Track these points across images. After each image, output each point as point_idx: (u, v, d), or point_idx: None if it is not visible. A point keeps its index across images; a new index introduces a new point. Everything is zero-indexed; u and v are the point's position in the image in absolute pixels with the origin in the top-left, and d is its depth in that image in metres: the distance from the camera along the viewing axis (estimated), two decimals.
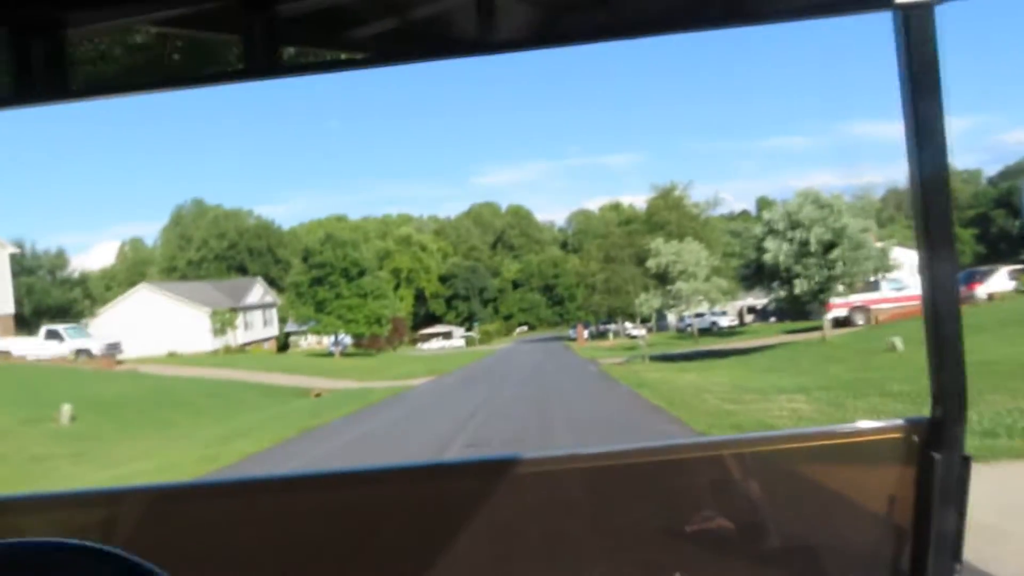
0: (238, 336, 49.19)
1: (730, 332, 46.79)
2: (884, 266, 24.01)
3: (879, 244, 23.87)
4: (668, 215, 59.01)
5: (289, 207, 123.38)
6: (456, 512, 1.48)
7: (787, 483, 1.52)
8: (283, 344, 60.86)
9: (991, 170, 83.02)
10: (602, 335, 61.83)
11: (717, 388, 16.76)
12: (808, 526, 1.52)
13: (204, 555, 1.42)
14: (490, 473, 1.54)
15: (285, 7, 1.02)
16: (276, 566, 1.50)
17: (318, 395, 28.33)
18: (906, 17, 1.22)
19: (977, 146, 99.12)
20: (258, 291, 52.39)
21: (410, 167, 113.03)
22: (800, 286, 23.65)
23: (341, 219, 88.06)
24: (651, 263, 42.11)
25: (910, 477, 1.37)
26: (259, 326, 51.98)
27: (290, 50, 1.09)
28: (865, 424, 1.48)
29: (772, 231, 24.61)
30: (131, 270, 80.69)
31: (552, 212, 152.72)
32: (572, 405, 16.37)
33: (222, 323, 42.44)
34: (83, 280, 41.25)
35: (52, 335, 32.25)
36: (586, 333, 58.01)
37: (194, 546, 1.45)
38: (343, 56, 1.16)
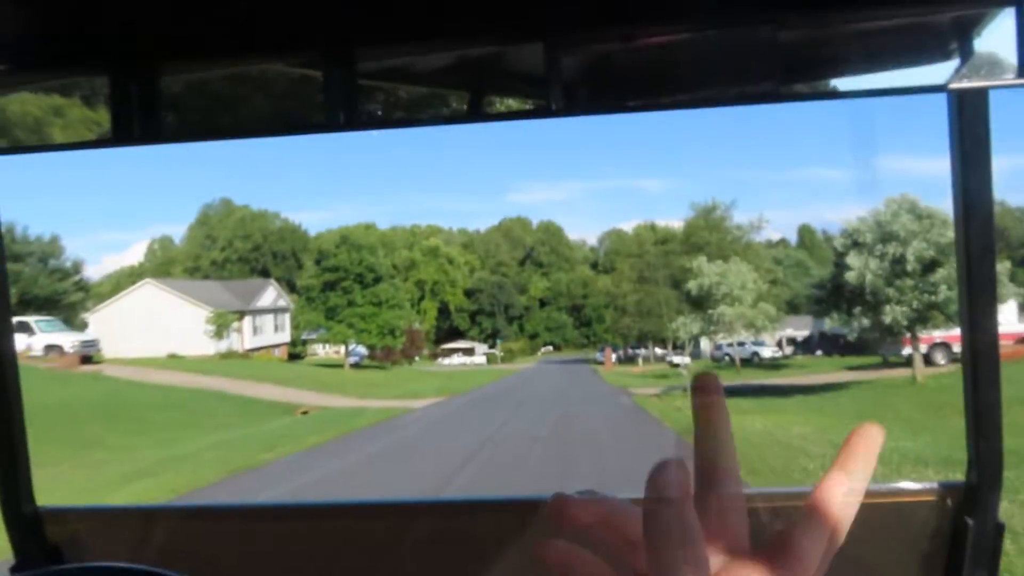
0: (245, 340, 44.86)
1: (775, 364, 41.21)
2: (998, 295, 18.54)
3: None
4: (708, 236, 53.67)
5: (320, 215, 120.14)
6: (490, 550, 1.44)
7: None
8: (298, 352, 56.47)
9: None
10: (631, 360, 56.67)
11: (808, 444, 11.65)
12: None
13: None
14: (527, 512, 1.45)
15: (366, 65, 1.06)
16: None
17: (304, 413, 23.68)
18: (960, 99, 1.21)
19: None
20: (271, 294, 48.00)
21: (444, 181, 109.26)
22: (891, 313, 18.33)
23: (370, 227, 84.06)
24: (692, 284, 36.96)
25: (942, 542, 1.33)
26: (270, 331, 47.58)
27: (368, 103, 1.13)
28: (898, 485, 1.41)
29: (857, 244, 19.26)
30: (158, 269, 77.57)
31: (584, 232, 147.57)
32: (606, 464, 11.28)
33: (219, 325, 37.98)
34: (76, 270, 37.08)
35: (22, 327, 27.89)
36: (614, 357, 52.79)
37: (223, 568, 1.44)
38: (419, 114, 1.20)
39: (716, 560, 0.39)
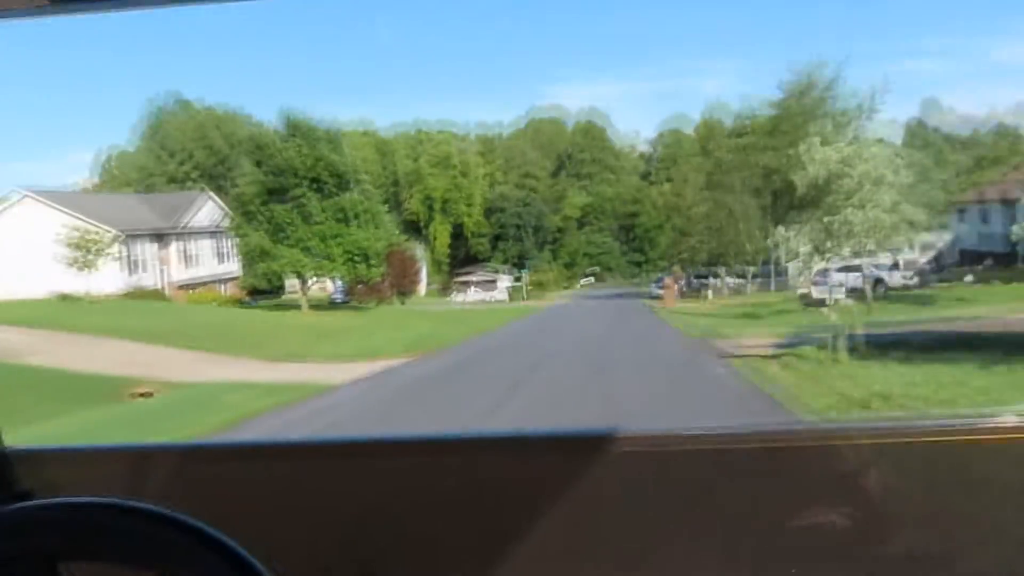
0: (172, 272, 35.96)
1: (920, 298, 31.03)
2: None
3: None
4: (803, 123, 42.76)
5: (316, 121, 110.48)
6: (543, 487, 1.45)
7: (919, 481, 1.42)
8: (267, 287, 47.25)
9: None
10: (695, 292, 46.94)
11: None
12: (937, 532, 1.40)
13: (228, 519, 1.34)
14: (585, 448, 1.48)
15: None
16: (320, 535, 1.47)
17: (144, 395, 14.64)
18: None
19: None
20: (209, 210, 38.80)
21: (463, 83, 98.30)
22: None
23: (368, 134, 74.17)
24: (799, 177, 27.00)
25: None
26: (209, 259, 38.61)
27: None
28: (1014, 419, 1.35)
29: None
30: (116, 190, 69.68)
31: (632, 137, 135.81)
32: None
33: (84, 251, 29.21)
34: None
35: None
36: (677, 288, 43.14)
37: (221, 512, 1.39)
38: None
39: None
